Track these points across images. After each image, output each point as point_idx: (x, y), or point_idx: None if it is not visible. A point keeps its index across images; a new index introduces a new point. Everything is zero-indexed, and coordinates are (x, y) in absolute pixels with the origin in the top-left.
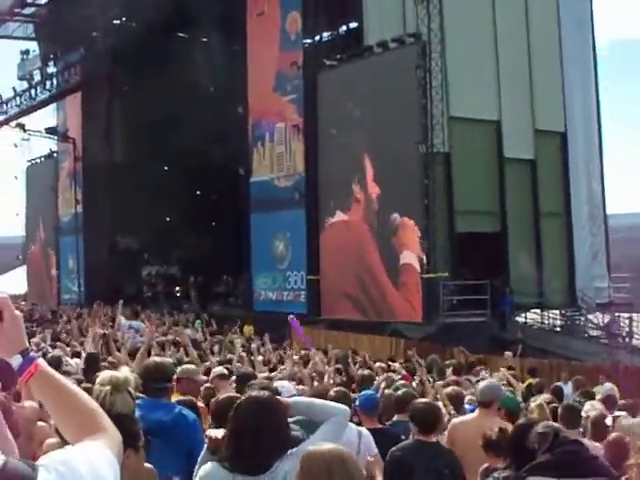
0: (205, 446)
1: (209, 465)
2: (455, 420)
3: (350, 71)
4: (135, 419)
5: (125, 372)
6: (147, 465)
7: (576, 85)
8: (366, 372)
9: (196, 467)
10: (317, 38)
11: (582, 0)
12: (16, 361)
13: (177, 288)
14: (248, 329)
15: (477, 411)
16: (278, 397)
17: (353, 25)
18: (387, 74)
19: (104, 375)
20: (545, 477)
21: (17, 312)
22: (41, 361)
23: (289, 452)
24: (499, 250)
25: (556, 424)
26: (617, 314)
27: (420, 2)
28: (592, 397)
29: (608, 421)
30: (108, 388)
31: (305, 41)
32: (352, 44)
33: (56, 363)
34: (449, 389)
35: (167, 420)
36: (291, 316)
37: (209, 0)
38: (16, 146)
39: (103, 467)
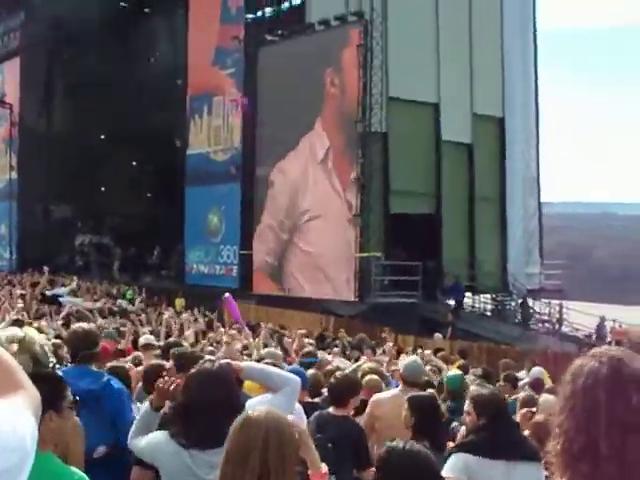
0: (147, 403)
1: (159, 436)
2: (379, 395)
3: (291, 47)
4: (58, 377)
5: (30, 331)
6: (74, 423)
7: (516, 71)
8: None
9: (134, 426)
10: (259, 14)
11: None
12: None
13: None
14: (179, 302)
15: (400, 387)
16: (228, 361)
17: (296, 2)
18: (327, 52)
19: (9, 332)
20: (476, 456)
21: None
22: None
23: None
24: (433, 232)
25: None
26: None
27: None
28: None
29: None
30: (15, 346)
31: (247, 16)
32: (294, 21)
33: None
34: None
35: (94, 389)
36: (227, 294)
37: None
38: None
39: (23, 426)
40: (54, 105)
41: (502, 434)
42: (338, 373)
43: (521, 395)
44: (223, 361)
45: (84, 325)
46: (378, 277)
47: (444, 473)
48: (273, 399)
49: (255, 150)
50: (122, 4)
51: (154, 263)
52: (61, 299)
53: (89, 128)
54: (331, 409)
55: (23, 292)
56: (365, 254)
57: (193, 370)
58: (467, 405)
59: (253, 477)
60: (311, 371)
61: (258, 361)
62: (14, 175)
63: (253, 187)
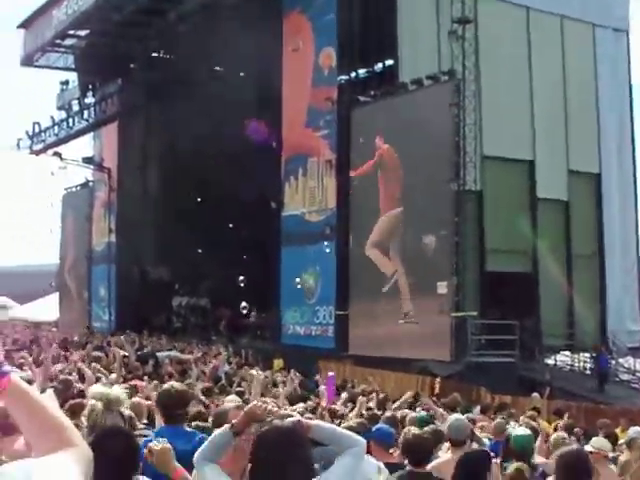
0: (227, 425)
1: None
2: (433, 463)
3: (384, 108)
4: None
5: (118, 391)
6: None
7: (612, 126)
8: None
9: (206, 444)
10: (352, 75)
11: (619, 41)
12: None
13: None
14: (277, 363)
15: (450, 451)
16: (299, 419)
17: (388, 62)
18: (421, 111)
19: (97, 390)
20: None
21: None
22: (14, 376)
23: None
24: (530, 290)
25: None
26: None
27: (455, 40)
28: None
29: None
30: (101, 405)
31: (340, 77)
32: (386, 81)
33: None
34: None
35: (188, 449)
36: (331, 373)
37: (246, 35)
38: (53, 174)
39: None
40: (150, 169)
41: None
42: (414, 431)
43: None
44: (295, 418)
45: (176, 385)
46: (474, 336)
47: None
48: (339, 463)
49: (349, 211)
50: (217, 68)
51: (250, 324)
52: (158, 354)
53: (184, 191)
54: (408, 467)
55: (125, 353)
56: (461, 313)
57: (264, 428)
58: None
59: None
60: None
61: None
62: (113, 238)
63: (348, 248)
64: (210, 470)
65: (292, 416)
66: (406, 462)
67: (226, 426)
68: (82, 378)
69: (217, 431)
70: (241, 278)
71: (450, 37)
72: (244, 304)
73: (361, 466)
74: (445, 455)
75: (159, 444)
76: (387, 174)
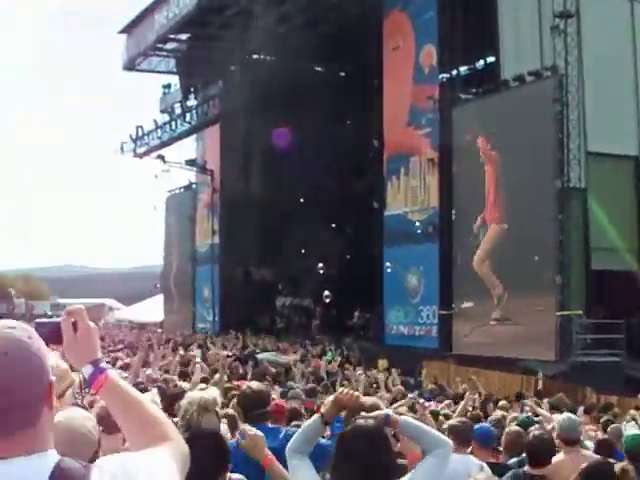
0: (317, 415)
1: (313, 477)
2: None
3: (485, 105)
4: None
5: (213, 393)
6: None
7: None
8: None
9: (298, 434)
10: (453, 72)
11: None
12: (87, 370)
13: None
14: (382, 363)
15: (562, 451)
16: (388, 413)
17: (490, 59)
18: (523, 108)
19: (193, 395)
20: None
21: (91, 323)
22: (111, 372)
23: None
24: (635, 288)
25: None
26: None
27: (557, 35)
28: None
29: None
30: (195, 407)
31: (441, 75)
32: (488, 78)
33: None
34: None
35: (274, 447)
36: None
37: (346, 35)
38: (156, 177)
39: (161, 476)
40: (252, 170)
41: None
42: (537, 432)
43: None
44: (382, 412)
45: (253, 385)
46: (579, 335)
47: None
48: (425, 464)
49: (452, 210)
50: (317, 68)
51: (354, 324)
52: (258, 355)
53: (287, 192)
54: (527, 468)
55: (229, 353)
56: (566, 312)
57: (347, 429)
58: None
59: None
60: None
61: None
62: (216, 239)
63: (451, 247)
64: (299, 463)
65: (380, 406)
66: (510, 462)
67: (316, 415)
68: (183, 375)
69: (307, 421)
70: (326, 293)
71: (552, 32)
72: (327, 292)
73: (446, 467)
74: (558, 456)
75: (252, 431)
76: (490, 171)
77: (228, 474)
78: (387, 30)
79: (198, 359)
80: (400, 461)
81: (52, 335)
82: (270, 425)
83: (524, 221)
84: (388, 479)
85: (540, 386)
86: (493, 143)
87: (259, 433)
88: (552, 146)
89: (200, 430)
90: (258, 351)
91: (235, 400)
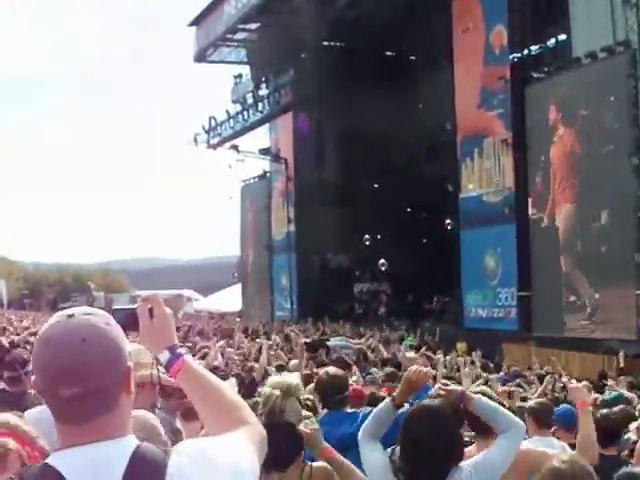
0: (388, 398)
1: (383, 462)
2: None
3: (558, 83)
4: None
5: (295, 378)
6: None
7: None
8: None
9: (369, 420)
10: (524, 52)
11: None
12: (164, 356)
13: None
14: (461, 346)
15: None
16: (463, 391)
17: (561, 37)
18: (596, 85)
19: (275, 379)
20: None
21: (167, 310)
22: (188, 357)
23: (462, 464)
24: None
25: None
26: None
27: (629, 9)
28: None
29: None
30: (279, 392)
31: (512, 55)
32: (560, 56)
33: None
34: None
35: (352, 432)
36: None
37: (415, 19)
38: (230, 167)
39: (244, 461)
40: (326, 157)
41: None
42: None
43: None
44: (457, 389)
45: (330, 370)
46: None
47: None
48: (498, 446)
49: (528, 191)
50: (388, 53)
51: (433, 308)
52: (328, 343)
53: (361, 177)
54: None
55: (307, 340)
56: None
57: (414, 407)
58: None
59: None
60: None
61: None
62: (292, 228)
63: (528, 228)
64: (371, 447)
65: (451, 384)
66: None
67: (387, 399)
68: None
69: (379, 406)
70: (381, 261)
71: (624, 6)
72: (382, 261)
73: (518, 449)
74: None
75: (308, 426)
76: (563, 149)
77: (303, 458)
78: (456, 12)
79: (265, 343)
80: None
81: (129, 321)
82: (348, 410)
83: (599, 200)
84: (453, 460)
85: (622, 364)
86: (566, 121)
87: (314, 427)
88: (627, 122)
89: (274, 421)
90: (328, 338)
91: (312, 386)
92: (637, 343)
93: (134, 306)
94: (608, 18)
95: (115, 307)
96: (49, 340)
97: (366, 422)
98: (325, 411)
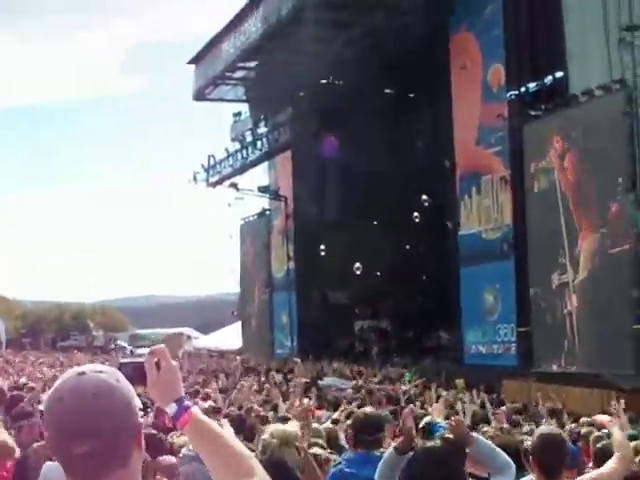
0: (392, 447)
1: None
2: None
3: (555, 121)
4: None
5: (294, 427)
6: None
7: None
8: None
9: (379, 470)
10: (522, 89)
11: None
12: (171, 409)
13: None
14: (460, 382)
15: None
16: (470, 432)
17: (558, 74)
18: (593, 123)
19: (276, 428)
20: None
21: (173, 362)
22: (195, 409)
23: None
24: None
25: None
26: None
27: (624, 48)
28: None
29: None
30: (277, 441)
31: (510, 93)
32: (557, 93)
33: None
34: None
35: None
36: None
37: (414, 57)
38: (230, 205)
39: None
40: (325, 194)
41: None
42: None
43: None
44: (465, 430)
45: (367, 410)
46: None
47: None
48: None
49: (526, 226)
50: (387, 91)
51: (433, 345)
52: (320, 382)
53: (360, 215)
54: None
55: (307, 380)
56: None
57: (418, 449)
58: None
59: None
60: None
61: None
62: (292, 265)
63: (527, 264)
64: None
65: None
66: None
67: (391, 448)
68: (264, 403)
69: (384, 455)
70: (357, 265)
71: (620, 44)
72: (357, 265)
73: None
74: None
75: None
76: (563, 185)
77: None
78: (453, 51)
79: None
80: None
81: (136, 375)
82: (380, 451)
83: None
84: None
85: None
86: (564, 157)
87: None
88: (624, 159)
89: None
90: (321, 377)
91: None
92: (635, 377)
93: (141, 360)
94: (604, 56)
95: (122, 360)
96: (62, 397)
97: (379, 468)
98: (351, 451)
